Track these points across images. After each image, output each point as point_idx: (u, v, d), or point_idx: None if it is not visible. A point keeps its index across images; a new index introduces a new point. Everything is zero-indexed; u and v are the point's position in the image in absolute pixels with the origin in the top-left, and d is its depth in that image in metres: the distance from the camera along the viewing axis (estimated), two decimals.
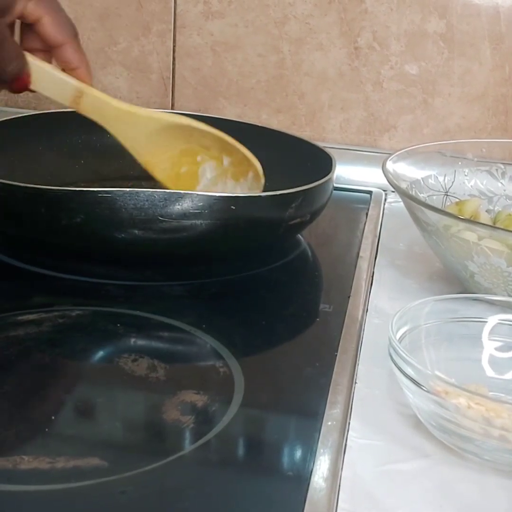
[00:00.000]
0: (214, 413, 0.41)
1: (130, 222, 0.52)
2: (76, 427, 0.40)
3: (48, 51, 0.54)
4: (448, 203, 0.64)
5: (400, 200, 0.59)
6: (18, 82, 0.51)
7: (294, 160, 0.71)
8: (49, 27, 0.52)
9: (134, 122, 0.57)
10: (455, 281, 0.58)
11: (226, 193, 0.57)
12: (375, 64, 0.82)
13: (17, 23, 0.53)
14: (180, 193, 0.52)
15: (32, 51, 0.53)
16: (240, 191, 0.61)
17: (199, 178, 0.61)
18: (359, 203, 0.77)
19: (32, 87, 0.52)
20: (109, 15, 0.85)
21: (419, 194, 0.61)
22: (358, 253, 0.63)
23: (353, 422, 0.41)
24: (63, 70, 0.55)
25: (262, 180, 0.61)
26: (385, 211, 0.75)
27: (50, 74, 0.53)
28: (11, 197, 0.54)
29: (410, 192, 0.59)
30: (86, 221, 0.52)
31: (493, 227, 0.57)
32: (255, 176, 0.61)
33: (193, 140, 0.59)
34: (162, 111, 0.62)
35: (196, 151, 0.60)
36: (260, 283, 0.59)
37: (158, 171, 0.60)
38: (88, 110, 0.56)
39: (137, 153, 0.59)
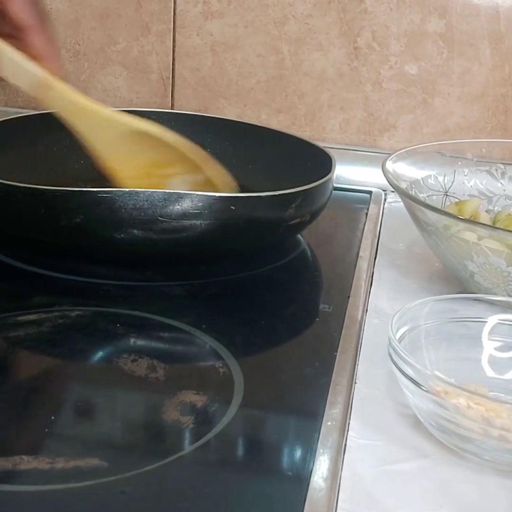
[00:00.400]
0: (214, 413, 0.41)
1: (129, 222, 0.52)
2: (76, 427, 0.40)
3: (17, 37, 0.52)
4: (448, 203, 0.64)
5: (400, 200, 0.59)
6: None
7: (294, 160, 0.71)
8: (15, 8, 0.52)
9: (99, 122, 0.53)
10: (455, 281, 0.58)
11: (226, 193, 0.57)
12: (375, 64, 0.82)
13: None
14: (180, 193, 0.52)
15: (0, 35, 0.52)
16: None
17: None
18: (359, 203, 0.77)
19: None
20: (109, 15, 0.85)
21: (418, 194, 0.61)
22: (358, 253, 0.63)
23: (353, 422, 0.41)
24: (33, 58, 0.52)
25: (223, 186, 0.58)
26: (385, 211, 0.75)
27: (14, 61, 0.51)
28: (11, 197, 0.54)
29: (410, 192, 0.58)
30: (85, 221, 0.52)
31: (492, 227, 0.57)
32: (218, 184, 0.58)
33: (163, 150, 0.55)
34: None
35: (166, 162, 0.56)
36: (260, 283, 0.59)
37: (123, 178, 0.55)
38: (53, 103, 0.53)
39: (101, 156, 0.55)
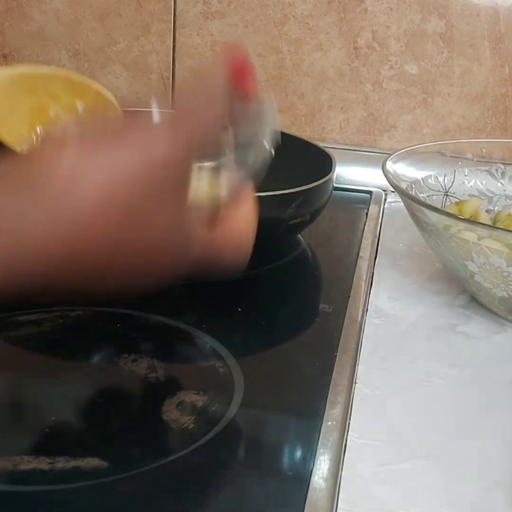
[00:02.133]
0: (214, 413, 0.41)
1: None
2: (76, 427, 0.40)
3: None
4: (448, 203, 0.64)
5: (400, 200, 0.59)
6: None
7: (294, 160, 0.70)
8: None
9: None
10: (455, 281, 0.58)
11: None
12: (375, 64, 0.82)
13: None
14: None
15: None
16: None
17: None
18: (359, 203, 0.77)
19: None
20: (109, 15, 0.85)
21: (419, 194, 0.61)
22: (358, 253, 0.63)
23: (353, 422, 0.41)
24: None
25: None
26: (385, 211, 0.75)
27: None
28: None
29: (410, 192, 0.58)
30: None
31: (493, 227, 0.56)
32: (115, 113, 0.57)
33: (39, 90, 0.54)
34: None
35: (47, 104, 0.54)
36: (260, 283, 0.59)
37: (9, 137, 0.51)
38: None
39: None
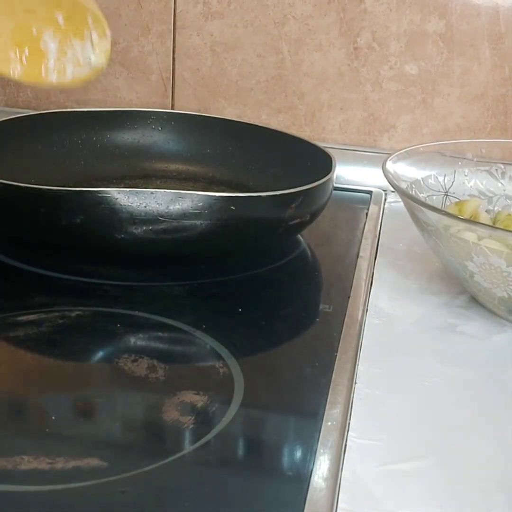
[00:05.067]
0: (214, 413, 0.41)
1: (129, 222, 0.52)
2: (76, 428, 0.40)
3: None
4: (448, 203, 0.64)
5: (400, 200, 0.59)
6: None
7: (294, 160, 0.71)
8: None
9: None
10: (455, 281, 0.58)
11: (226, 193, 0.57)
12: (375, 64, 0.82)
13: None
14: (180, 193, 0.52)
15: None
16: (90, 48, 0.56)
17: (45, 53, 0.55)
18: (359, 203, 0.77)
19: None
20: (109, 15, 0.85)
21: (419, 194, 0.61)
22: (358, 253, 0.63)
23: (353, 422, 0.41)
24: None
25: (106, 27, 0.56)
26: (385, 211, 0.75)
27: None
28: (11, 197, 0.54)
29: (410, 192, 0.58)
30: (85, 221, 0.52)
31: (493, 227, 0.56)
32: (96, 22, 0.55)
33: (16, 7, 0.53)
34: None
35: (27, 22, 0.53)
36: (260, 283, 0.59)
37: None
38: None
39: None
